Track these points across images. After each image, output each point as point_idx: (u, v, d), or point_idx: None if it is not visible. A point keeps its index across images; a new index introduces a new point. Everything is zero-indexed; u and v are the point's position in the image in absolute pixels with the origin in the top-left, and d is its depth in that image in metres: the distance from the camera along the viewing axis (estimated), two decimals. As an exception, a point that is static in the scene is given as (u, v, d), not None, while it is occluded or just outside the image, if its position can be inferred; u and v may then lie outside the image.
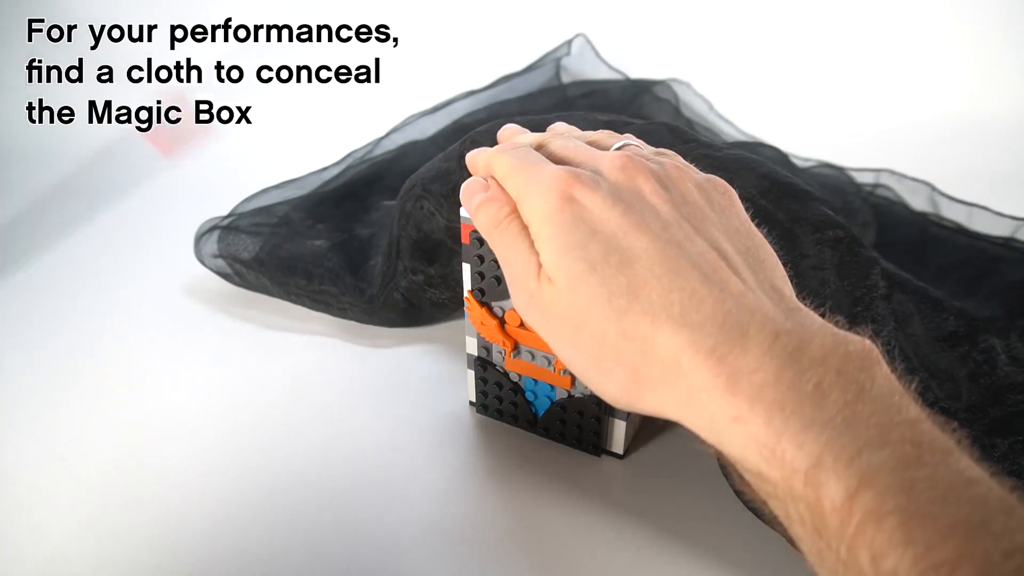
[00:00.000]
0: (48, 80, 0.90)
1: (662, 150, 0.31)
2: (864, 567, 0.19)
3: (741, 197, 0.29)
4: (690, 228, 0.25)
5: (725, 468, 0.34)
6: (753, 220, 0.28)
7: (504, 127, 0.35)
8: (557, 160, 0.29)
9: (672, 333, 0.23)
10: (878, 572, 0.18)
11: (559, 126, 0.35)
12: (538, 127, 0.36)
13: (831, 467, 0.19)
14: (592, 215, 0.25)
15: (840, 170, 0.63)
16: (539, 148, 0.30)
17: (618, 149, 0.30)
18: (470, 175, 0.41)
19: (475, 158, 0.32)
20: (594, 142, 0.31)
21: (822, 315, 0.24)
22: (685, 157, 0.31)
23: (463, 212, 0.35)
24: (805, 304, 0.25)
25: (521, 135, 0.33)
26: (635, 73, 0.67)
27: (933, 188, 0.60)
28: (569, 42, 0.66)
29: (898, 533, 0.18)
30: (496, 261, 0.34)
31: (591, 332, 0.24)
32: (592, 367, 0.25)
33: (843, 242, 0.39)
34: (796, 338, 0.22)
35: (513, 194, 0.28)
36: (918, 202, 0.60)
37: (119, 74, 0.89)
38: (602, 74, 0.67)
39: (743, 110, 0.70)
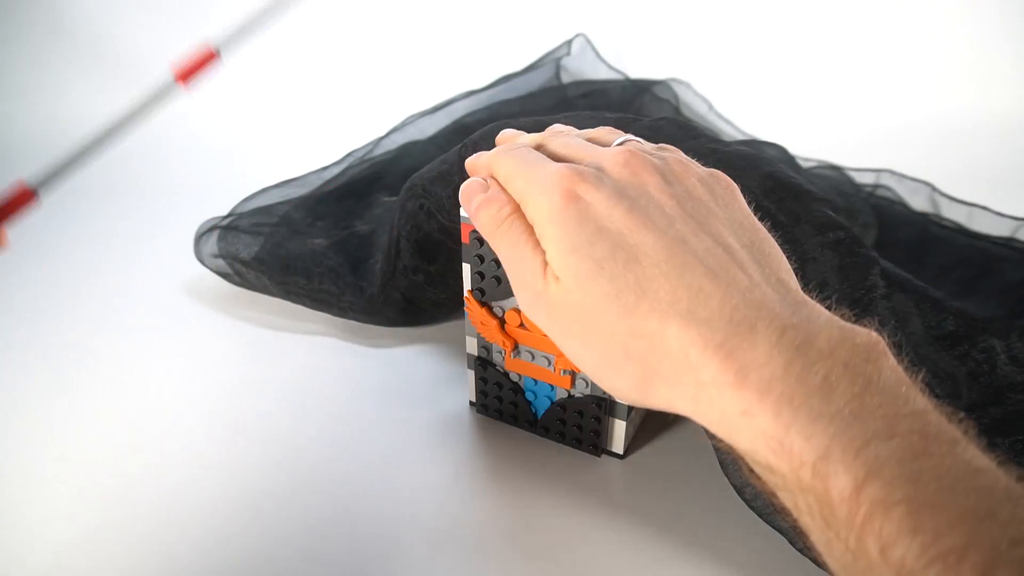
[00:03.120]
0: (47, 80, 0.90)
1: (663, 145, 0.31)
2: (873, 556, 0.19)
3: (744, 196, 0.29)
4: (695, 224, 0.25)
5: (725, 464, 0.34)
6: (756, 216, 0.28)
7: (502, 132, 0.35)
8: (558, 159, 0.29)
9: (680, 329, 0.23)
10: (886, 561, 0.18)
11: (558, 126, 0.35)
12: (541, 127, 0.36)
13: (839, 458, 0.20)
14: (597, 212, 0.25)
15: (840, 170, 0.63)
16: (539, 148, 0.30)
17: (619, 145, 0.30)
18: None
19: (475, 161, 0.32)
20: (594, 139, 0.31)
21: (828, 308, 0.24)
22: (694, 152, 0.31)
23: (463, 212, 0.35)
24: (811, 297, 0.25)
25: (520, 136, 0.33)
26: (635, 73, 0.68)
27: (933, 188, 0.60)
28: (569, 42, 0.66)
29: (906, 522, 0.18)
30: (496, 261, 0.34)
31: (600, 330, 0.24)
32: (602, 365, 0.25)
33: (844, 243, 0.39)
34: (803, 332, 0.22)
35: (516, 195, 0.28)
36: (918, 202, 0.60)
37: (119, 74, 0.89)
38: (602, 74, 0.67)
39: (743, 110, 0.70)
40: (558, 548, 0.33)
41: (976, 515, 0.18)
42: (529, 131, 0.35)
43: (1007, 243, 0.53)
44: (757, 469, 0.23)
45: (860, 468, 0.19)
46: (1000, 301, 0.46)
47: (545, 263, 0.26)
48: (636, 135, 0.31)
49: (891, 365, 0.22)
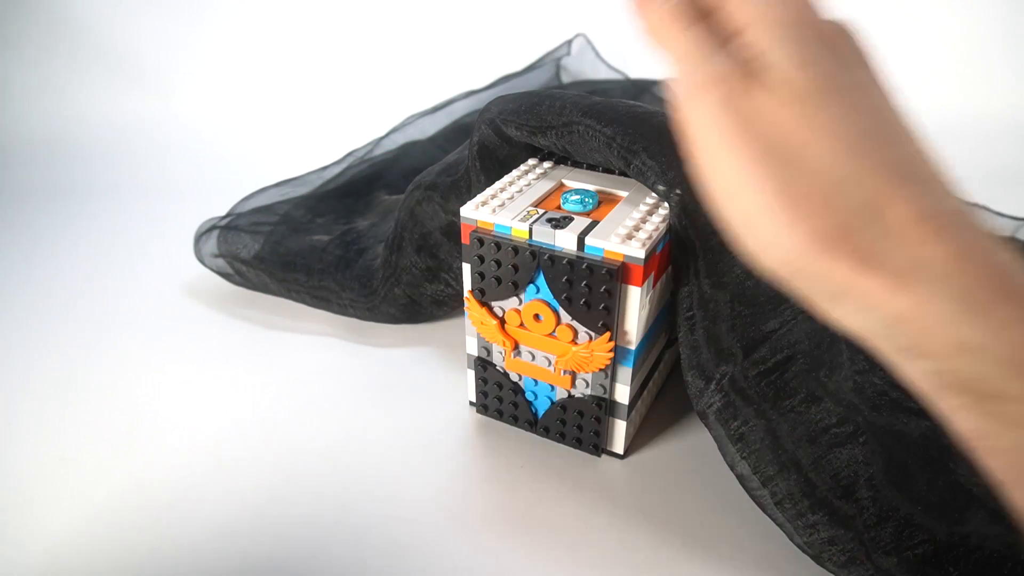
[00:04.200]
0: (47, 80, 0.90)
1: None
2: None
3: None
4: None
5: (727, 453, 0.34)
6: None
7: None
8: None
9: (910, 199, 0.20)
10: None
11: None
12: (534, 107, 0.34)
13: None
14: (834, 41, 0.22)
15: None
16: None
17: None
18: (474, 178, 0.41)
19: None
20: None
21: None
22: None
23: (463, 212, 0.35)
24: None
25: None
26: (635, 73, 0.67)
27: (933, 188, 0.60)
28: (569, 42, 0.66)
29: None
30: (497, 261, 0.34)
31: (808, 164, 0.20)
32: (780, 206, 0.20)
33: None
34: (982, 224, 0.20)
35: None
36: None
37: (118, 74, 0.89)
38: (602, 74, 0.67)
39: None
40: (558, 547, 0.33)
41: None
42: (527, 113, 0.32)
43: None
44: (922, 350, 0.20)
45: None
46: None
47: (752, 69, 0.21)
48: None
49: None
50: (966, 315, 0.19)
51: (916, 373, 0.20)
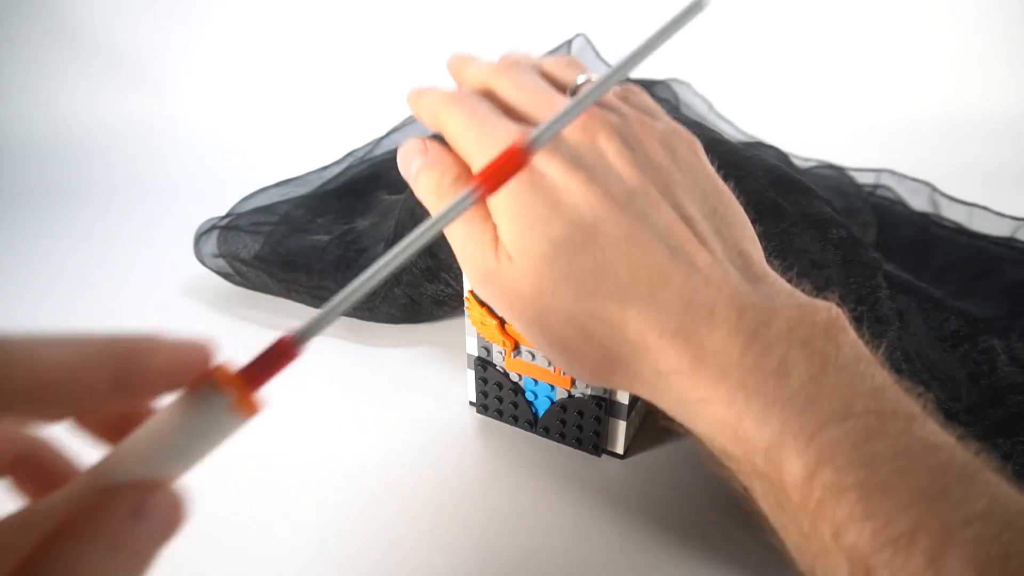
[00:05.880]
0: (48, 80, 0.90)
1: (629, 86, 0.29)
2: (826, 540, 0.19)
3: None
4: (656, 194, 0.24)
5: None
6: (759, 213, 0.28)
7: (453, 56, 0.31)
8: (509, 108, 0.27)
9: (639, 313, 0.22)
10: (839, 545, 0.18)
11: (512, 54, 0.31)
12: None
13: (791, 444, 0.19)
14: (553, 184, 0.24)
15: (841, 170, 0.63)
16: (489, 93, 0.28)
17: (578, 86, 0.28)
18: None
19: (419, 102, 0.28)
20: (551, 75, 0.29)
21: (789, 280, 0.24)
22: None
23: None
24: (773, 268, 0.24)
25: (470, 65, 0.30)
26: (635, 73, 0.67)
27: (933, 188, 0.60)
28: (569, 42, 0.66)
29: (858, 507, 0.18)
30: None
31: (557, 313, 0.23)
32: (560, 348, 0.24)
33: (847, 242, 0.39)
34: (762, 311, 0.21)
35: (464, 154, 0.26)
36: (918, 202, 0.60)
37: (118, 74, 0.89)
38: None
39: (743, 110, 0.70)
40: (558, 548, 0.33)
41: (928, 496, 0.18)
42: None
43: (1007, 243, 0.53)
44: (716, 454, 0.23)
45: (812, 454, 0.19)
46: (1000, 301, 0.46)
47: (496, 238, 0.24)
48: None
49: (851, 340, 0.21)
50: (699, 405, 0.22)
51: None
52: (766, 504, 0.21)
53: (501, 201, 0.24)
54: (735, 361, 0.21)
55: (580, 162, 0.24)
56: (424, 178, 0.26)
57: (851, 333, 0.22)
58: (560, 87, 0.28)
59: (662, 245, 0.23)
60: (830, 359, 0.20)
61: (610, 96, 0.27)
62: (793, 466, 0.19)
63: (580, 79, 0.28)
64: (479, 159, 0.25)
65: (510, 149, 0.18)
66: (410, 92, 0.29)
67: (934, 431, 0.19)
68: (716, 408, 0.21)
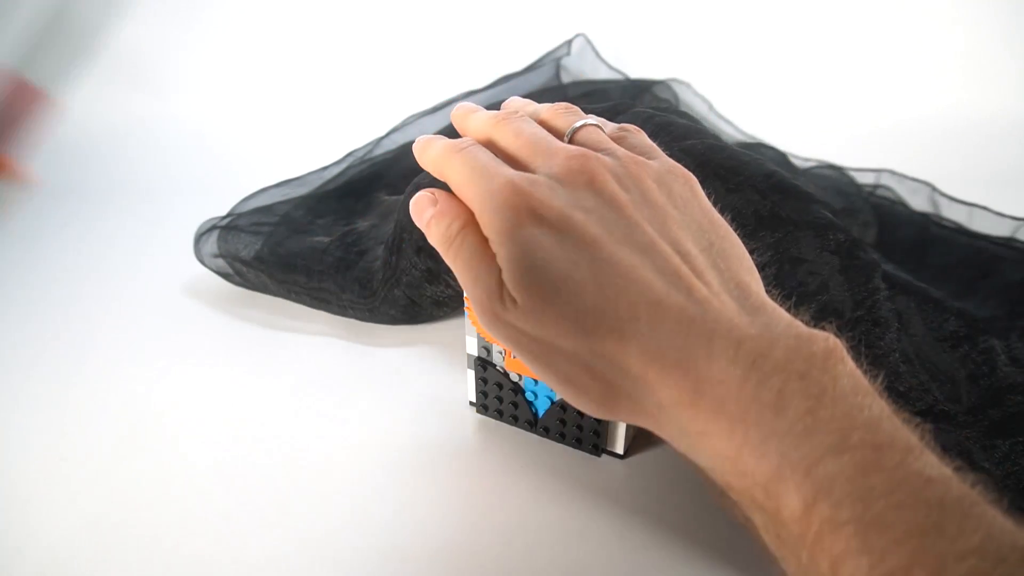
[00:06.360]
0: (47, 80, 0.90)
1: (624, 126, 0.30)
2: (824, 573, 0.19)
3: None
4: (653, 232, 0.25)
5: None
6: (758, 221, 0.28)
7: (457, 106, 0.33)
8: (509, 157, 0.28)
9: (640, 347, 0.23)
10: None
11: (513, 102, 0.33)
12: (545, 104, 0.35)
13: (789, 478, 0.20)
14: (552, 228, 0.24)
15: (840, 170, 0.63)
16: (490, 143, 0.29)
17: (575, 131, 0.29)
18: None
19: (423, 153, 0.30)
20: (548, 123, 0.30)
21: (788, 309, 0.24)
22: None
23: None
24: (772, 298, 0.25)
25: (473, 116, 0.31)
26: (635, 73, 0.67)
27: (933, 188, 0.60)
28: (569, 42, 0.66)
29: (854, 542, 0.18)
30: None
31: (561, 350, 0.24)
32: (566, 383, 0.25)
33: (845, 246, 0.39)
34: (760, 343, 0.22)
35: (468, 203, 0.27)
36: (918, 202, 0.60)
37: (118, 74, 0.89)
38: (602, 74, 0.67)
39: (743, 110, 0.70)
40: (558, 548, 0.33)
41: (923, 531, 0.18)
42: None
43: (1007, 243, 0.53)
44: (718, 484, 0.23)
45: (810, 488, 0.19)
46: (1000, 301, 0.46)
47: (501, 282, 0.25)
48: (635, 122, 0.30)
49: (848, 371, 0.22)
50: (699, 437, 0.22)
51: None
52: (767, 535, 0.21)
53: (503, 247, 0.25)
54: (733, 393, 0.21)
55: (578, 204, 0.25)
56: (435, 226, 0.28)
57: (849, 363, 0.22)
58: (557, 133, 0.29)
59: (660, 280, 0.23)
60: (827, 391, 0.21)
61: (606, 138, 0.29)
62: (791, 500, 0.20)
63: (578, 124, 0.29)
64: (479, 206, 0.26)
65: None
66: (416, 142, 0.30)
67: (931, 463, 0.20)
68: (716, 441, 0.21)
